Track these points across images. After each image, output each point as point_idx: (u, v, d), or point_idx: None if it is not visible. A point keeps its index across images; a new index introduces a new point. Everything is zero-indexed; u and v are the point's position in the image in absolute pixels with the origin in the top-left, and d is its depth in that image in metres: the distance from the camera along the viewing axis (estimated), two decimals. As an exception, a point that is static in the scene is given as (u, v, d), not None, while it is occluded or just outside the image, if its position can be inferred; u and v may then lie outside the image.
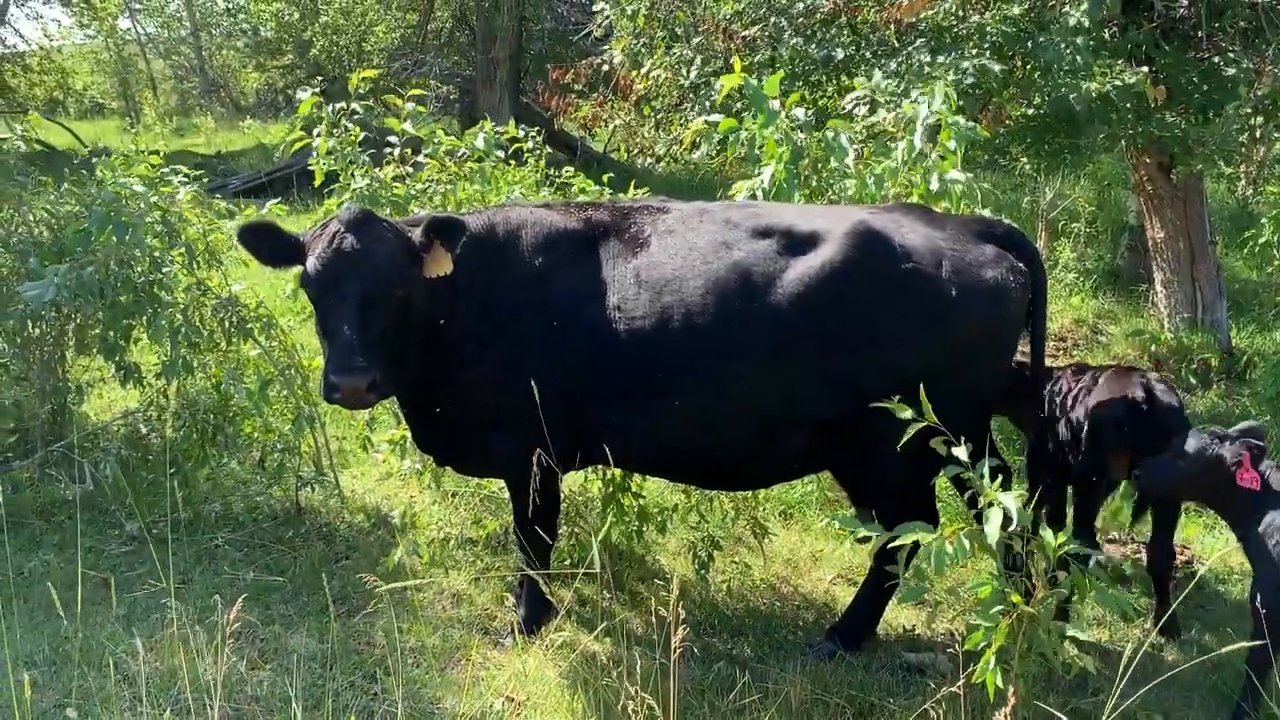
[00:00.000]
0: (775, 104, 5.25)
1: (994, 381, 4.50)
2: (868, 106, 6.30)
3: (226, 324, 5.60)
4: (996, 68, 6.32)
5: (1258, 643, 3.81)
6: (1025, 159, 8.73)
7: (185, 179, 5.92)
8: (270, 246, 4.11)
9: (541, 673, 4.26)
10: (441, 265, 4.08)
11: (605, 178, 6.77)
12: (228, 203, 6.40)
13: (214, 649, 3.00)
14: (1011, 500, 3.45)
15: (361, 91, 5.65)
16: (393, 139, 5.86)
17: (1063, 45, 6.21)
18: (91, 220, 5.24)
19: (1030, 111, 7.27)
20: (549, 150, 7.05)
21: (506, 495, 4.98)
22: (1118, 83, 6.43)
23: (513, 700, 4.10)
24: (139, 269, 5.35)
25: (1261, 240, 8.33)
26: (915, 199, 5.08)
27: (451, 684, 4.21)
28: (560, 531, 4.94)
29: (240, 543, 5.36)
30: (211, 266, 5.81)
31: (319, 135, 5.68)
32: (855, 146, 5.60)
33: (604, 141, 15.13)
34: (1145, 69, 6.71)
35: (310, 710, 3.86)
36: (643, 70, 8.49)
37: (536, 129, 6.98)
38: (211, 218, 5.90)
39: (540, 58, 16.45)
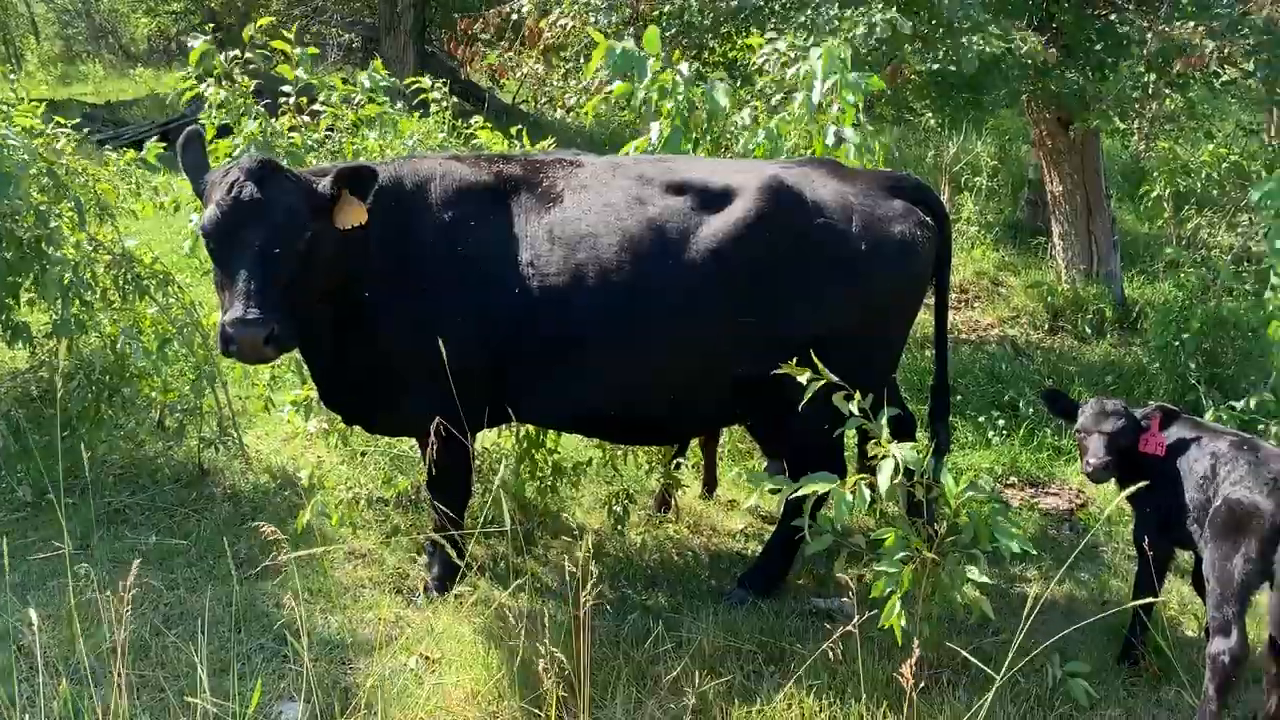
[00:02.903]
0: (651, 60, 5.19)
1: (902, 333, 4.59)
2: (775, 62, 6.29)
3: (121, 281, 5.39)
4: (908, 27, 6.35)
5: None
6: (929, 114, 8.86)
7: (65, 128, 5.63)
8: (197, 159, 4.05)
9: (455, 630, 4.24)
10: (353, 216, 3.95)
11: (514, 130, 6.66)
12: (117, 155, 6.11)
13: (115, 616, 2.90)
14: (905, 450, 3.53)
15: (257, 41, 5.42)
16: (286, 88, 5.66)
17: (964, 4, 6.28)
18: (-31, 173, 4.97)
19: (935, 68, 7.36)
20: (455, 101, 6.89)
21: (417, 454, 4.92)
22: (1010, 46, 6.53)
23: (427, 658, 4.08)
24: (23, 223, 5.10)
25: (1154, 194, 8.62)
26: (813, 153, 5.11)
27: (364, 644, 4.17)
28: (474, 488, 4.91)
29: (141, 506, 5.20)
30: (103, 221, 5.57)
31: (209, 87, 5.46)
32: (751, 102, 5.60)
33: (513, 92, 14.86)
34: (1040, 35, 6.82)
35: (217, 675, 3.78)
36: (551, 19, 8.35)
37: (443, 80, 6.80)
38: (100, 169, 5.64)
39: (446, 6, 16.03)
